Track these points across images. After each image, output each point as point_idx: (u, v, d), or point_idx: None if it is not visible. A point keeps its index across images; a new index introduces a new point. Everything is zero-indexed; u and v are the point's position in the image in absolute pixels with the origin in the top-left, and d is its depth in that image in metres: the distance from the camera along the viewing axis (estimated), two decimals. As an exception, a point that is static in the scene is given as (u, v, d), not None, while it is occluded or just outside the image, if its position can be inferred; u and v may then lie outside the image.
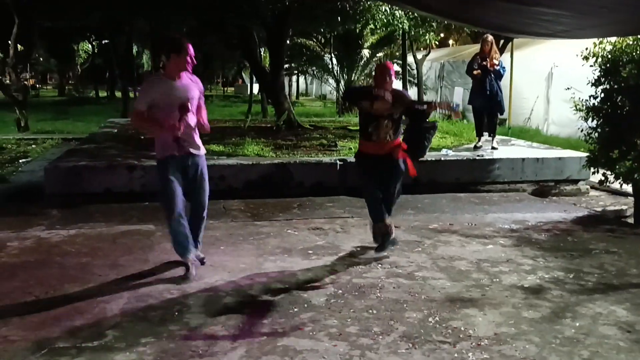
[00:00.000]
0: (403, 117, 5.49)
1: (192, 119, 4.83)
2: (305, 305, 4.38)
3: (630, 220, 7.16)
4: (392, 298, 4.54)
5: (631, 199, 7.78)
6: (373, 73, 5.72)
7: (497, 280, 4.97)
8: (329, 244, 5.91)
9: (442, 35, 18.28)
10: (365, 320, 4.13)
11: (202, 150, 5.00)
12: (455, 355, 3.65)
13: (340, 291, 4.67)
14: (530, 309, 4.37)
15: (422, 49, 23.31)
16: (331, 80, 21.80)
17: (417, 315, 4.22)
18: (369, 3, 10.19)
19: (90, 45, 34.13)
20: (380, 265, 5.30)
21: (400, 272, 5.11)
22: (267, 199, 7.77)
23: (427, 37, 14.19)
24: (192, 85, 4.87)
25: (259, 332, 3.93)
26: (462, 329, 4.02)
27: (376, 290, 4.69)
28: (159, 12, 10.72)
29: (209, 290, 4.68)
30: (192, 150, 4.89)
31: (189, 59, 4.73)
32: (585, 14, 4.16)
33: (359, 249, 5.76)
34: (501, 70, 9.33)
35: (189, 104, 4.74)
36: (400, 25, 11.26)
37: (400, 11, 10.85)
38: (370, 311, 4.28)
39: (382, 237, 5.57)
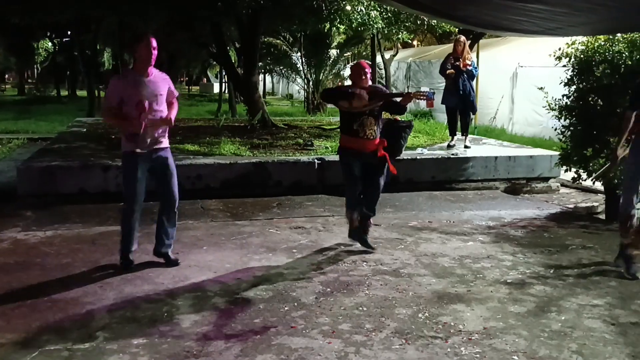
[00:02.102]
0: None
1: (157, 114, 4.92)
2: (295, 304, 4.38)
3: (602, 217, 7.35)
4: (381, 295, 4.58)
5: (601, 196, 8.00)
6: (349, 73, 5.81)
7: (481, 276, 5.05)
8: (312, 243, 5.92)
9: (412, 35, 18.42)
10: (357, 318, 4.15)
11: (166, 143, 5.08)
12: (448, 350, 3.71)
13: (328, 289, 4.69)
14: (516, 303, 4.46)
15: (387, 49, 23.46)
16: (299, 80, 21.75)
17: (407, 312, 4.27)
18: (344, 2, 10.22)
19: (50, 43, 33.35)
20: (365, 263, 5.33)
21: (385, 270, 5.15)
22: (246, 198, 7.73)
23: (400, 36, 14.28)
24: (161, 82, 5.02)
25: (251, 331, 3.92)
26: (452, 324, 4.08)
27: (364, 288, 4.72)
28: (129, 7, 10.51)
29: (196, 290, 4.64)
30: (155, 146, 4.98)
31: (152, 49, 4.83)
32: (581, 11, 4.25)
33: (342, 247, 5.78)
34: (474, 71, 9.48)
35: (146, 102, 4.82)
36: (375, 25, 11.32)
37: (375, 11, 10.91)
38: (361, 308, 4.31)
39: (363, 234, 5.67)
